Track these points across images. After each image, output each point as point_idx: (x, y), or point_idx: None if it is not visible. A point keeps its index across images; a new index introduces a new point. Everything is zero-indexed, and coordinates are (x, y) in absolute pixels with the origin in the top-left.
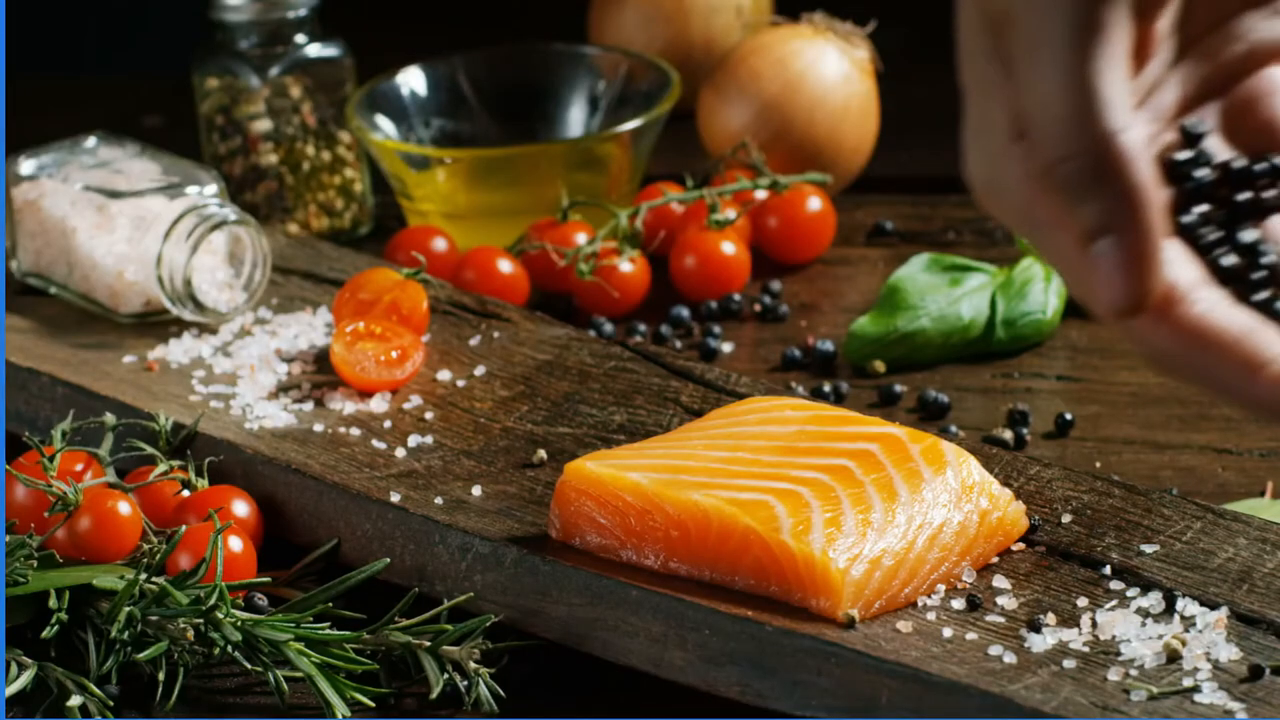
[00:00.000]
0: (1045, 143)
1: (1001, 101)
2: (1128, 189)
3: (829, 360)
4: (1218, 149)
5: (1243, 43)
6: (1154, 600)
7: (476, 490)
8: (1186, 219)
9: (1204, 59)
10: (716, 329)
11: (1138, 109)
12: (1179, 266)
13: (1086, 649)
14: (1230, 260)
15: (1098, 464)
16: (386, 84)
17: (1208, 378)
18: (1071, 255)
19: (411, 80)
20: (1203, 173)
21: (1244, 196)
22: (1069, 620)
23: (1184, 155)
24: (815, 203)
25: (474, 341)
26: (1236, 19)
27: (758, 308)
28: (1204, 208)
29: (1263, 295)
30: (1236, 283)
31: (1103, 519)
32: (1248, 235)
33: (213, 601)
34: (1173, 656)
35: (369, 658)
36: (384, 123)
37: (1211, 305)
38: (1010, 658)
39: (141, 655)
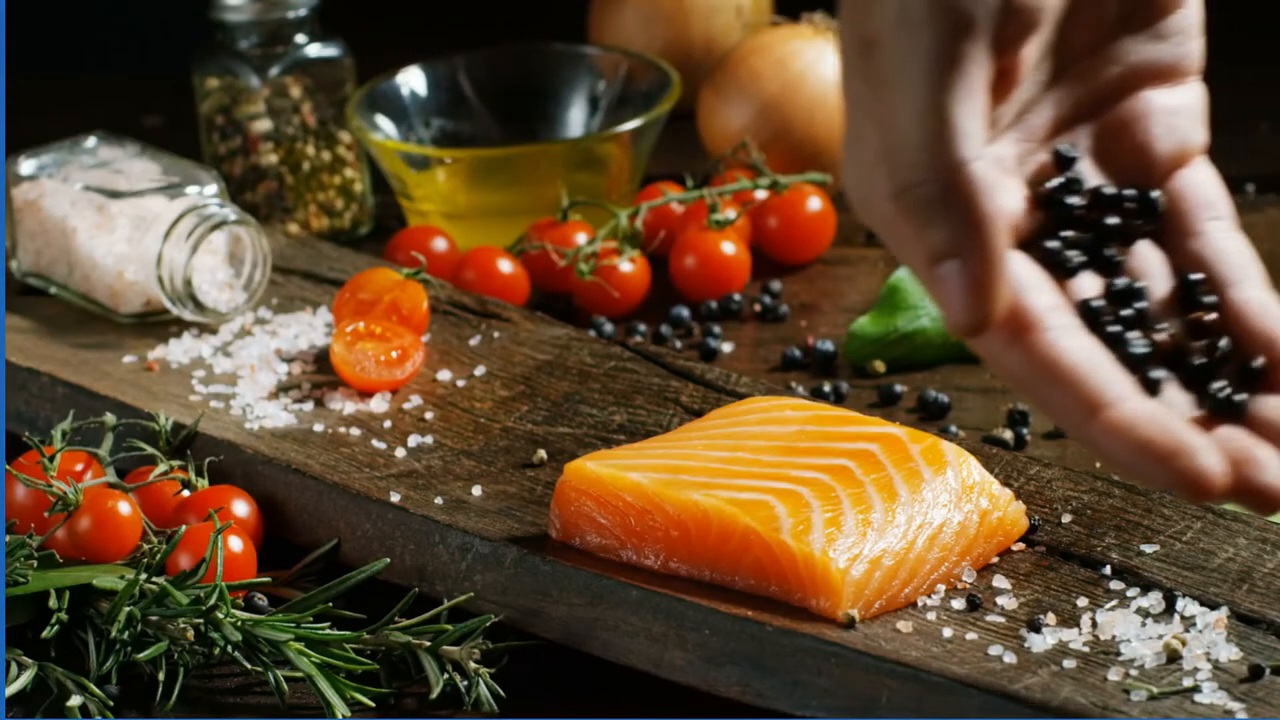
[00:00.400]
0: (900, 166)
1: (872, 120)
2: (974, 217)
3: (829, 360)
4: (1089, 175)
5: (1119, 65)
6: (1154, 600)
7: (476, 490)
8: (1049, 244)
9: (1080, 81)
10: (716, 329)
11: (1009, 128)
12: (1037, 292)
13: (1086, 649)
14: (1089, 290)
15: (1098, 464)
16: (386, 84)
17: (1050, 408)
18: (924, 272)
19: (411, 80)
20: (1072, 199)
21: (1110, 223)
22: (1069, 620)
23: (1055, 181)
24: (815, 203)
25: (474, 341)
26: (1114, 43)
27: (758, 308)
28: (1069, 233)
29: (1115, 328)
30: (1091, 312)
31: (1103, 519)
32: (1110, 264)
33: (213, 601)
34: (1173, 656)
35: (369, 658)
36: (384, 123)
37: (1061, 334)
38: (1010, 658)
39: (141, 655)
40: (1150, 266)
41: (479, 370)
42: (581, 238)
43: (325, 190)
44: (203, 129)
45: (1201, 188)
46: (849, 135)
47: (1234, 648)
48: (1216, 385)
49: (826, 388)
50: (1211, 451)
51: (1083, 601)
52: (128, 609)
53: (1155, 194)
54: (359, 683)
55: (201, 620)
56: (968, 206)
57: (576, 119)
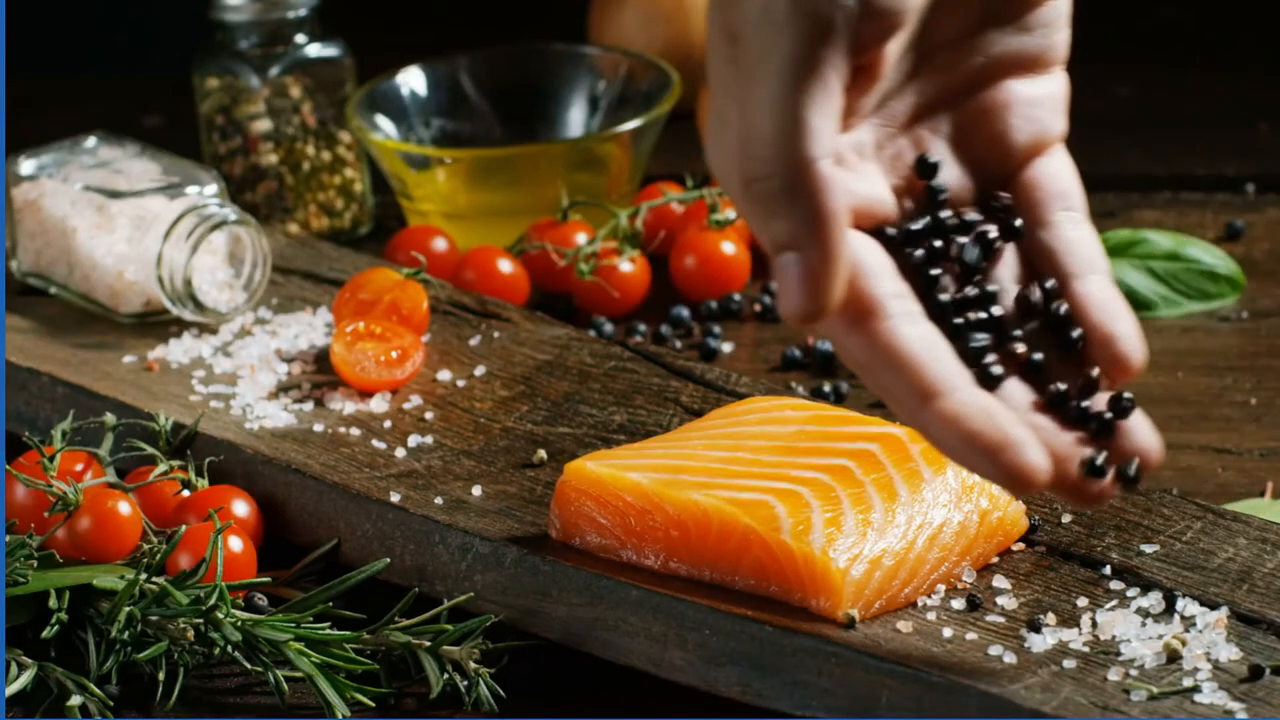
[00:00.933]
0: (750, 158)
1: (734, 104)
2: (816, 214)
3: (829, 360)
4: (948, 167)
5: (983, 56)
6: (1154, 600)
7: (476, 490)
8: (893, 230)
9: (943, 71)
10: (716, 329)
11: (870, 115)
12: (881, 279)
13: (1086, 649)
14: (936, 283)
15: None
16: (386, 84)
17: (887, 393)
18: (770, 256)
19: (411, 80)
20: (934, 199)
21: (960, 220)
22: (1069, 620)
23: (918, 223)
24: None
25: (474, 341)
26: (979, 34)
27: (758, 308)
28: (923, 223)
29: (958, 320)
30: (935, 305)
31: (1103, 519)
32: (963, 257)
33: (213, 601)
34: (1173, 656)
35: (369, 658)
36: (384, 123)
37: (901, 322)
38: (1010, 658)
39: (141, 655)
40: (999, 253)
41: (479, 370)
42: (581, 238)
43: (325, 190)
44: (203, 129)
45: (1056, 178)
46: (713, 114)
47: (1234, 648)
48: (1055, 387)
49: (826, 388)
50: (1036, 447)
51: (1083, 601)
52: (128, 609)
53: (1018, 223)
54: (359, 683)
55: (201, 620)
56: (811, 204)
57: (576, 119)
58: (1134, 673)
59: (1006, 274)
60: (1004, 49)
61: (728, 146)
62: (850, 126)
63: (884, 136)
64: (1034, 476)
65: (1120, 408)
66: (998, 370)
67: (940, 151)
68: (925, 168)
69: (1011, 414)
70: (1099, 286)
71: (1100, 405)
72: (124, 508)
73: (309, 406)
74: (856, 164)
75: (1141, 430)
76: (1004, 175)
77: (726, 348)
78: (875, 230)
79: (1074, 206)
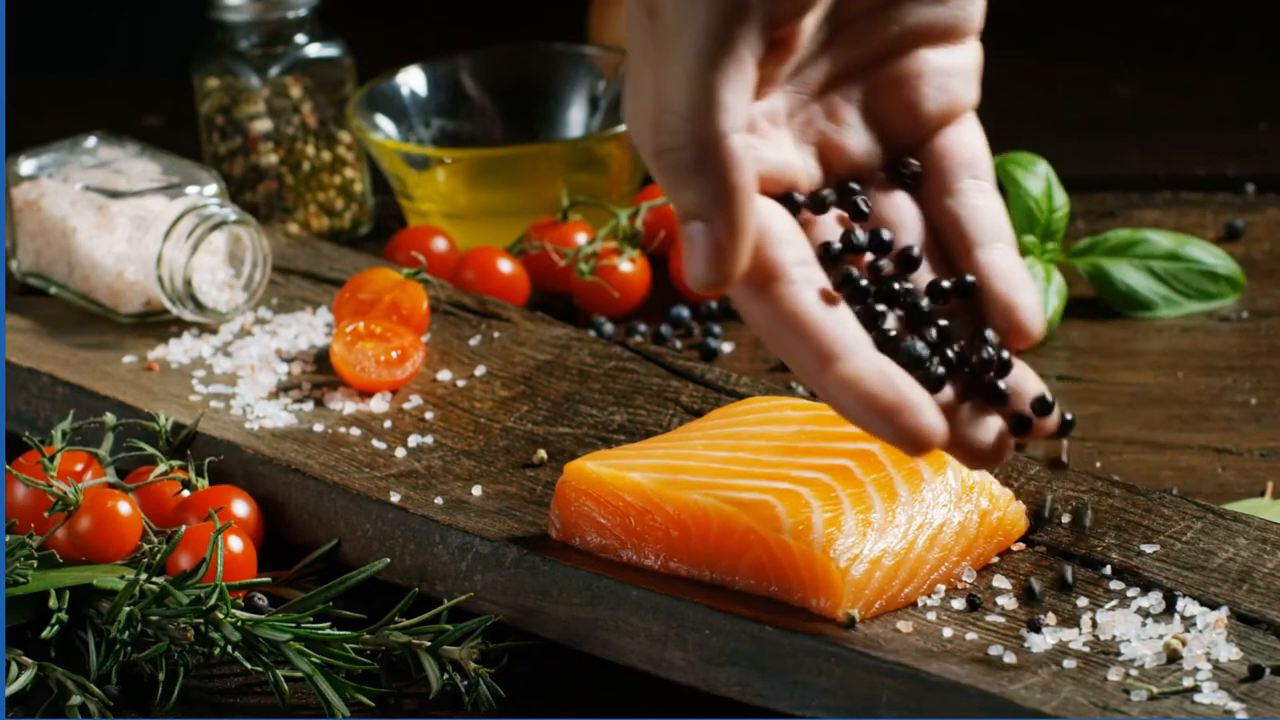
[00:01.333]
0: (663, 130)
1: (650, 71)
2: (724, 189)
3: None
4: (858, 133)
5: (897, 26)
6: (1154, 600)
7: (476, 490)
8: (800, 196)
9: (857, 41)
10: (716, 329)
11: (784, 83)
12: (786, 245)
13: (1086, 649)
14: (838, 250)
15: (1098, 464)
16: (386, 84)
17: (789, 358)
18: (677, 222)
19: (411, 80)
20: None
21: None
22: (1069, 620)
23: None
24: None
25: (474, 341)
26: (895, 4)
27: None
28: (831, 192)
29: (863, 283)
30: (839, 272)
31: (1103, 519)
32: (860, 215)
33: (213, 601)
34: (1173, 656)
35: (369, 658)
36: (384, 123)
37: (804, 288)
38: (1010, 658)
39: (141, 655)
40: (905, 219)
41: (479, 370)
42: (581, 238)
43: (325, 190)
44: (203, 129)
45: (965, 147)
46: (630, 79)
47: (1234, 648)
48: (955, 352)
49: None
50: (932, 410)
51: (1083, 601)
52: (128, 609)
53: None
54: (359, 683)
55: (201, 620)
56: (719, 179)
57: (576, 119)
58: (1134, 673)
59: (908, 235)
60: (919, 19)
61: (643, 114)
62: (764, 95)
63: (797, 104)
64: (930, 438)
65: (1003, 364)
66: (896, 332)
67: (852, 118)
68: (857, 213)
69: (908, 377)
70: (1002, 255)
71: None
72: (124, 508)
73: (309, 406)
74: (769, 131)
75: (1032, 391)
76: (915, 143)
77: (726, 348)
78: (784, 196)
79: (981, 175)
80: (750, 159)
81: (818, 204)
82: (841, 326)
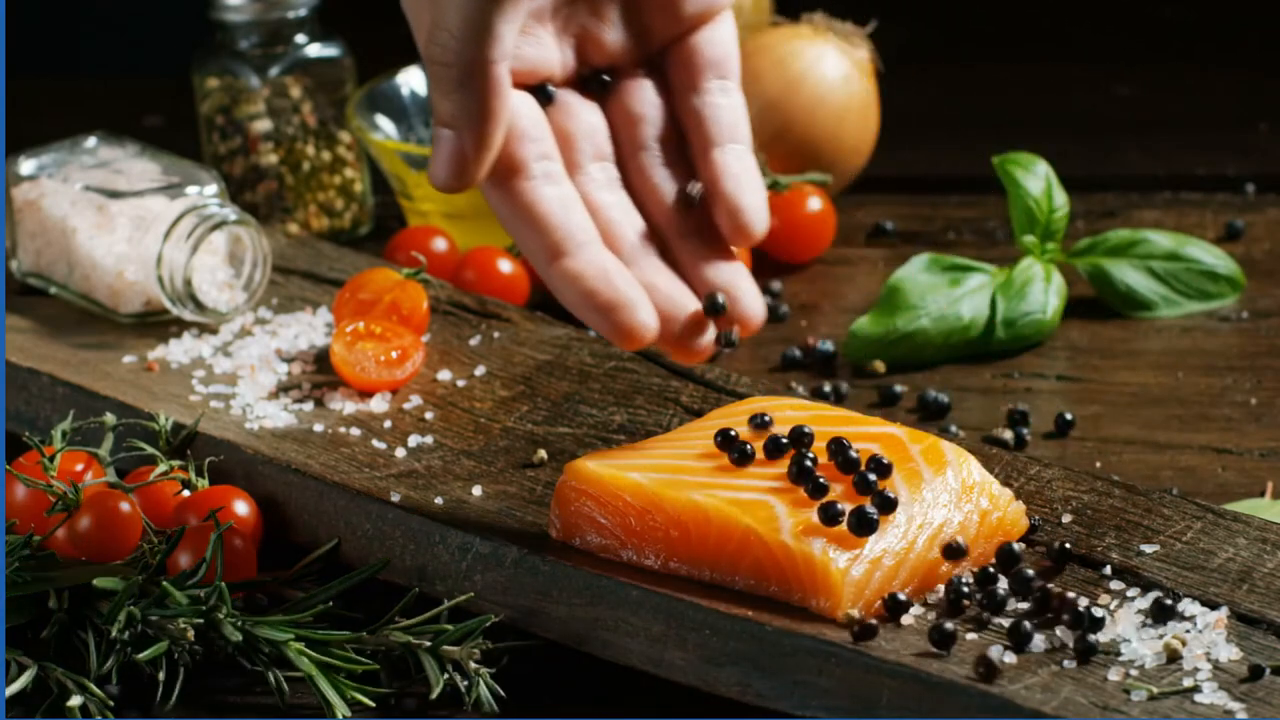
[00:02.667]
0: (436, 44)
1: None
2: (482, 111)
3: (829, 360)
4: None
5: None
6: (1153, 600)
7: (476, 490)
8: (552, 90)
9: None
10: None
11: None
12: (530, 143)
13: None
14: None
15: (1098, 464)
16: (386, 84)
17: (524, 248)
18: (433, 120)
19: (411, 80)
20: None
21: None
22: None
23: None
24: (815, 203)
25: (474, 341)
26: None
27: None
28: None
29: (599, 176)
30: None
31: (1103, 519)
32: (598, 82)
33: (213, 601)
34: (1173, 656)
35: (369, 658)
36: (384, 123)
37: (541, 182)
38: (1010, 658)
39: (141, 655)
40: (648, 111)
41: (479, 370)
42: None
43: (325, 190)
44: (203, 129)
45: (716, 45)
46: None
47: (1234, 648)
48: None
49: (826, 388)
50: (646, 308)
51: (1083, 601)
52: (128, 609)
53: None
54: (359, 683)
55: (201, 620)
56: (479, 102)
57: None
58: (1134, 673)
59: (650, 129)
60: None
61: (420, 11)
62: None
63: (561, 1)
64: (641, 335)
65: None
66: (621, 219)
67: (613, 14)
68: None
69: (628, 275)
70: (735, 157)
71: (716, 276)
72: (124, 508)
73: (309, 406)
74: (532, 27)
75: (747, 297)
76: (671, 39)
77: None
78: (537, 87)
79: (727, 75)
80: (510, 85)
81: (569, 89)
82: (572, 223)
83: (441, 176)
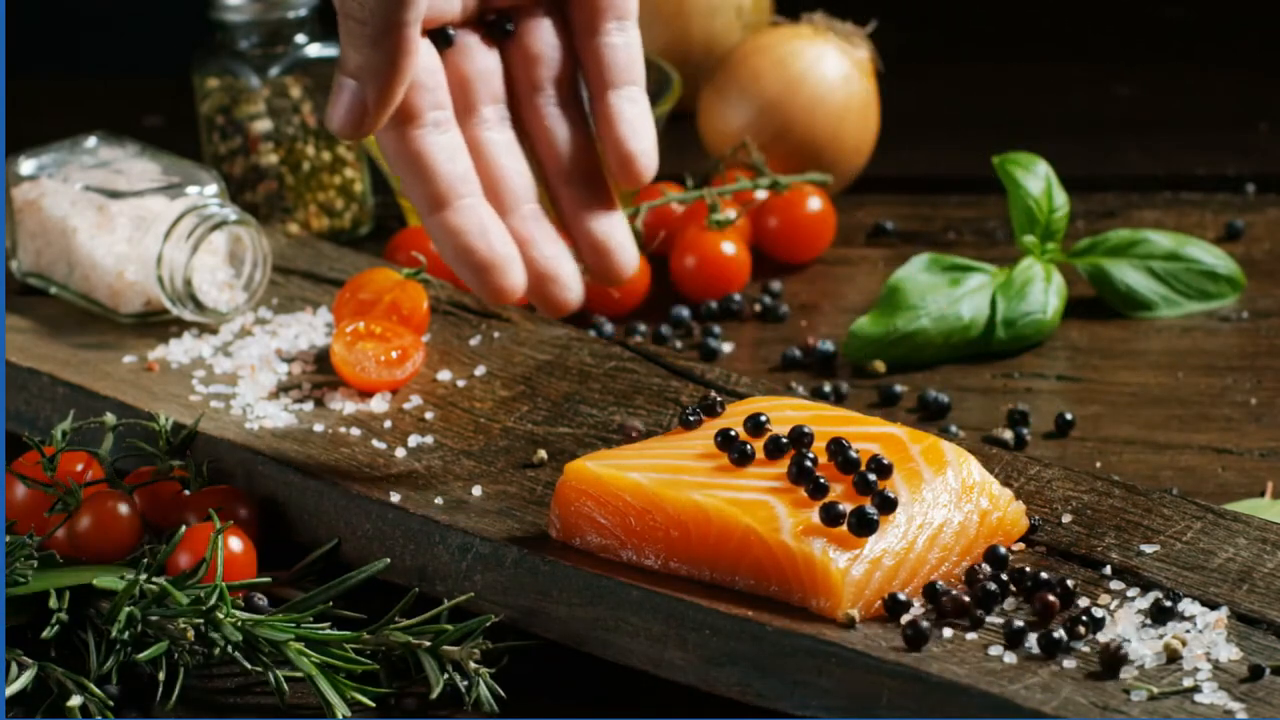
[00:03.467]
0: (353, 1)
1: None
2: (390, 69)
3: (829, 360)
4: None
5: None
6: (1154, 600)
7: (477, 490)
8: (452, 32)
9: None
10: (716, 329)
11: None
12: (426, 91)
13: (1086, 649)
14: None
15: (1098, 464)
16: None
17: (408, 194)
18: (336, 68)
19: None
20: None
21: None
22: (1069, 620)
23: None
24: (815, 203)
25: (474, 341)
26: None
27: (758, 308)
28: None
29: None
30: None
31: (1103, 519)
32: (501, 27)
33: (213, 601)
34: (1173, 656)
35: (369, 658)
36: None
37: (432, 131)
38: (1010, 658)
39: (141, 655)
40: (547, 51)
41: (479, 370)
42: None
43: (325, 190)
44: (203, 129)
45: None
46: None
47: (1234, 648)
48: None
49: (826, 388)
50: (518, 268)
51: (1083, 601)
52: (128, 609)
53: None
54: (359, 683)
55: (201, 620)
56: (389, 60)
57: None
58: (1134, 673)
59: (548, 69)
60: None
61: None
62: None
63: None
64: (510, 296)
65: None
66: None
67: None
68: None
69: (505, 233)
70: (629, 101)
71: (595, 226)
72: (124, 508)
73: (309, 406)
74: None
75: (620, 251)
76: None
77: (726, 348)
78: (436, 31)
79: (625, 15)
80: (419, 44)
81: (468, 30)
82: (456, 175)
83: (340, 124)
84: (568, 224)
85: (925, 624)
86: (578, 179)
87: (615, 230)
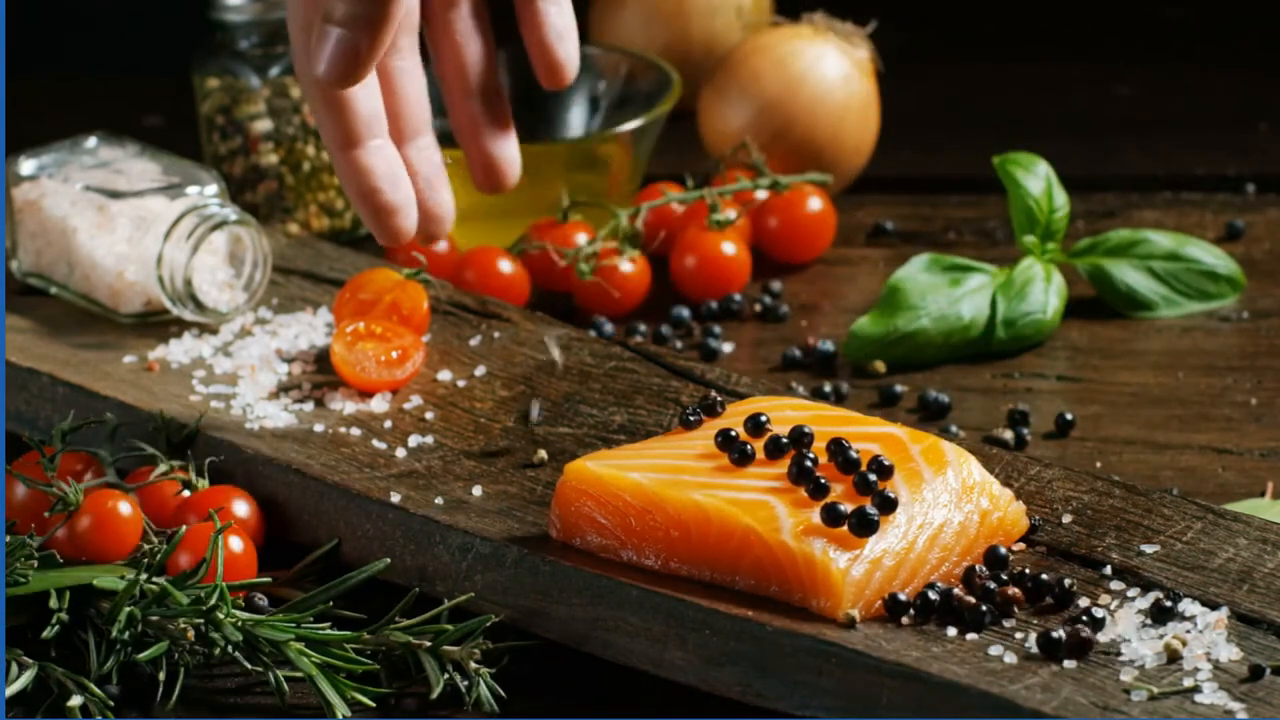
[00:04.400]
0: None
1: None
2: (383, 13)
3: (829, 360)
4: None
5: None
6: (1154, 600)
7: (477, 490)
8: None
9: None
10: (717, 329)
11: None
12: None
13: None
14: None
15: (1098, 464)
16: None
17: (320, 128)
18: (306, 22)
19: None
20: None
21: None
22: (1069, 620)
23: None
24: (815, 203)
25: (474, 341)
26: None
27: (758, 308)
28: None
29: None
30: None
31: (1103, 519)
32: None
33: (213, 601)
34: (1173, 656)
35: (369, 658)
36: None
37: (405, 65)
38: (1010, 658)
39: (141, 655)
40: None
41: (479, 370)
42: (582, 238)
43: (325, 190)
44: (203, 129)
45: None
46: None
47: (1234, 648)
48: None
49: (826, 388)
50: (412, 214)
51: (1083, 601)
52: (128, 609)
53: None
54: (359, 683)
55: (201, 620)
56: (382, 8)
57: (577, 119)
58: (1134, 673)
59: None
60: None
61: None
62: None
63: None
64: (403, 239)
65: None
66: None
67: None
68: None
69: (406, 180)
70: (558, 11)
71: (489, 145)
72: (124, 508)
73: (309, 406)
74: None
75: (508, 161)
76: None
77: (726, 348)
78: None
79: None
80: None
81: None
82: (371, 114)
83: (328, 73)
84: (462, 139)
85: (903, 596)
86: (477, 95)
87: (507, 148)
